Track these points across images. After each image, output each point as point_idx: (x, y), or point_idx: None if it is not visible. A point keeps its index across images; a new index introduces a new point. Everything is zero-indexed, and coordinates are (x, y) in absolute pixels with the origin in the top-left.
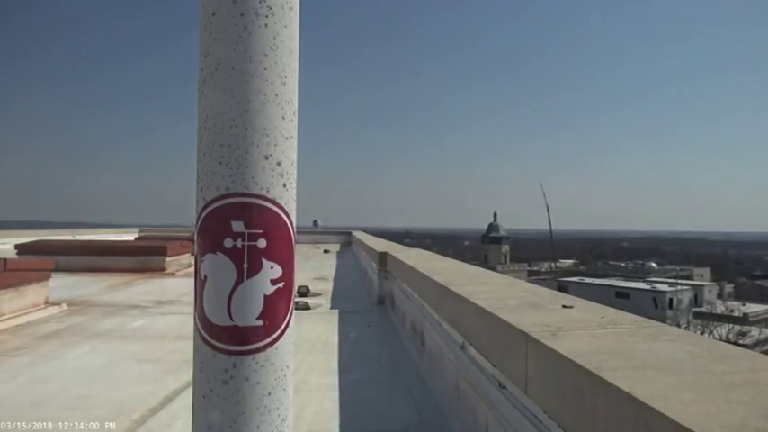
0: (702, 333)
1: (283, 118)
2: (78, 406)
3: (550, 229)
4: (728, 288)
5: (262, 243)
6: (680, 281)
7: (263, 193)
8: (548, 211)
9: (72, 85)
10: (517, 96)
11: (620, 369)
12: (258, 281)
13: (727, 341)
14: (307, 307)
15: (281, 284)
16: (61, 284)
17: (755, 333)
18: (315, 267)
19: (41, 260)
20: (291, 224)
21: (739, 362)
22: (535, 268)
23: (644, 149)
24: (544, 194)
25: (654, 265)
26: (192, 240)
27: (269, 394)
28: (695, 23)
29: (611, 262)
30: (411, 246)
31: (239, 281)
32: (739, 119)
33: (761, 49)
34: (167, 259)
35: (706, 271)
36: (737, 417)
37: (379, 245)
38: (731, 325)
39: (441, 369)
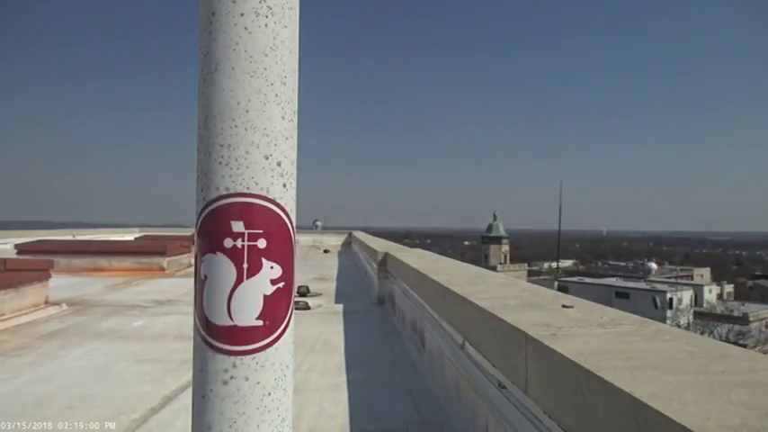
0: (702, 333)
1: (283, 118)
2: (78, 406)
3: (559, 228)
4: (728, 288)
5: (262, 243)
6: (680, 281)
7: (263, 193)
8: (560, 211)
9: (73, 84)
10: (517, 96)
11: (619, 369)
12: (258, 281)
13: (727, 341)
14: (307, 307)
15: (281, 284)
16: (61, 284)
17: (755, 333)
18: (315, 267)
19: (41, 260)
20: (291, 224)
21: (739, 362)
22: (535, 268)
23: (644, 150)
24: (560, 194)
25: (654, 265)
26: (192, 240)
27: (269, 394)
28: (695, 22)
29: (611, 262)
30: (411, 246)
31: (239, 281)
32: (740, 119)
33: (762, 48)
34: (167, 259)
35: (706, 271)
36: (737, 417)
37: (379, 245)
38: (731, 325)
39: (441, 369)
